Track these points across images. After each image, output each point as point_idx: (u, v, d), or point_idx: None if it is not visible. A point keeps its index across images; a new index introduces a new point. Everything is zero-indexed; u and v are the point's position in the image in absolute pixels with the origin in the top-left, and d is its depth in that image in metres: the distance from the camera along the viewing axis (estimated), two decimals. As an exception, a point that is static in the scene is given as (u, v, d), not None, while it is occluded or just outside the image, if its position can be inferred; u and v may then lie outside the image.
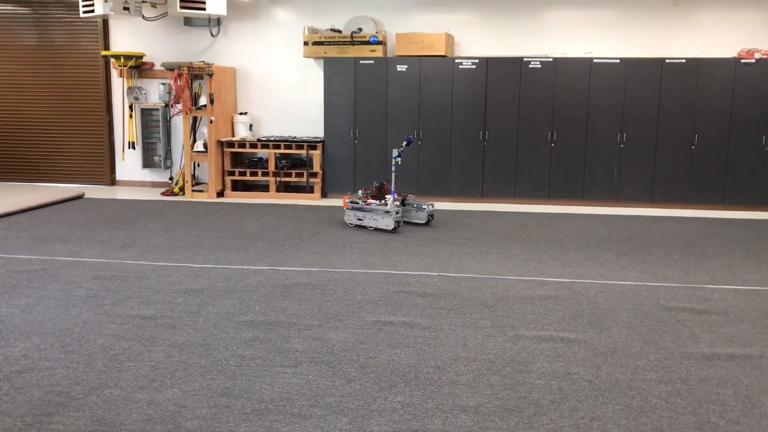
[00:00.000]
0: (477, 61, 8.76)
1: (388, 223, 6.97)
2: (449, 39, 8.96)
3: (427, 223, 7.40)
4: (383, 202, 7.17)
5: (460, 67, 8.79)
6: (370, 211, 7.10)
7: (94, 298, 4.70)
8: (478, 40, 9.24)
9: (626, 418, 3.07)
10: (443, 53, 8.77)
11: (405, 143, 7.25)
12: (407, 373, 3.52)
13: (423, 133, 8.96)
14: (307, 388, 3.33)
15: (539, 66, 8.66)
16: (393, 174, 7.29)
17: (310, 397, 3.24)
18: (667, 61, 8.49)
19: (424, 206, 7.37)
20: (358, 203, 7.20)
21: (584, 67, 8.61)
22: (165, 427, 2.93)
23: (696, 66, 8.44)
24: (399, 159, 7.17)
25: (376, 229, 7.04)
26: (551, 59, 8.66)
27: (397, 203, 7.20)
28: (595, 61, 8.59)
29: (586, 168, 8.78)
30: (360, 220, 7.17)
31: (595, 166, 8.76)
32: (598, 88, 8.62)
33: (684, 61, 8.46)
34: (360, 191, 7.37)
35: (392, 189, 7.21)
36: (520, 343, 3.95)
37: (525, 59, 8.69)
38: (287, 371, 3.53)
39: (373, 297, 4.80)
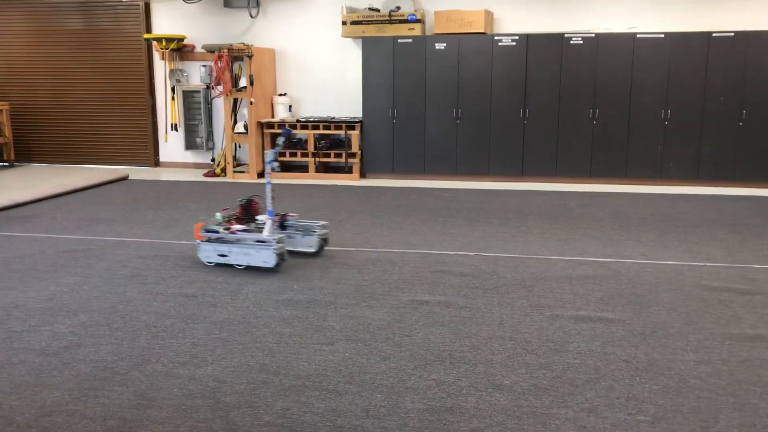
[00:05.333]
0: (517, 37, 8.63)
1: (267, 258, 4.95)
2: (488, 16, 8.85)
3: (318, 252, 5.42)
4: (254, 225, 5.27)
5: (500, 44, 8.68)
6: (237, 242, 5.06)
7: (138, 277, 4.83)
8: (518, 17, 9.09)
9: (663, 398, 3.04)
10: (483, 30, 8.66)
11: (283, 139, 5.38)
12: (442, 352, 3.54)
13: (462, 112, 8.89)
14: (344, 365, 3.38)
15: (581, 42, 8.49)
16: (268, 185, 5.20)
17: (345, 374, 3.29)
18: (714, 35, 8.23)
19: (313, 229, 5.42)
20: (218, 232, 5.12)
21: (627, 42, 8.41)
22: (205, 402, 3.01)
23: (744, 39, 8.17)
24: (276, 164, 5.15)
25: (248, 268, 5.05)
26: (593, 35, 8.48)
27: (276, 228, 5.30)
28: (638, 36, 8.38)
29: (629, 145, 8.61)
30: (223, 256, 5.10)
31: (638, 143, 8.58)
32: (642, 64, 8.41)
33: (732, 34, 8.19)
34: (219, 213, 5.36)
35: (269, 207, 5.18)
36: (556, 323, 3.93)
37: (566, 35, 8.53)
38: (324, 349, 3.58)
39: (410, 276, 4.82)
